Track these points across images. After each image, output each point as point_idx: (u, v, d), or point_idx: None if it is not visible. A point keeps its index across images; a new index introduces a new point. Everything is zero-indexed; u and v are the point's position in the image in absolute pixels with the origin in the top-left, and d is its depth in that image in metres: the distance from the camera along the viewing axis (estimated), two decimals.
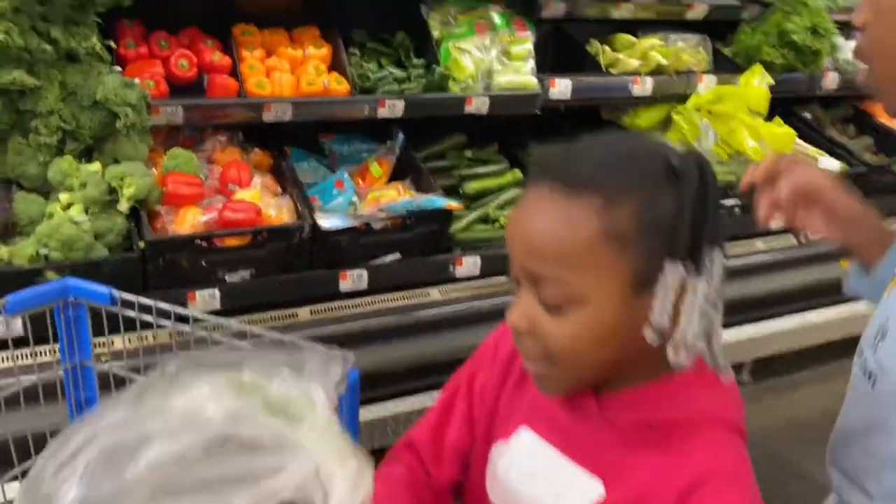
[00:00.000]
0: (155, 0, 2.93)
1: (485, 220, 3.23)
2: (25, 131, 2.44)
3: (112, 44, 2.66)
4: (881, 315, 1.17)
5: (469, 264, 2.98)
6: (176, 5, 3.03)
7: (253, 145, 3.10)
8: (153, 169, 2.73)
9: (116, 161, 2.59)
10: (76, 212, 2.41)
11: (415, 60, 3.20)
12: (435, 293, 2.92)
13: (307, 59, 3.00)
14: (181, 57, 2.78)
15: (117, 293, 1.43)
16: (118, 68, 2.61)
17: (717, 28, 3.99)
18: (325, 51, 3.04)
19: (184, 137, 3.02)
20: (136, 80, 2.60)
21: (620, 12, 3.51)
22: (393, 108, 3.02)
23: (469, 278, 3.00)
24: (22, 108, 2.39)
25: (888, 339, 1.12)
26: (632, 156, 0.98)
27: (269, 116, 2.81)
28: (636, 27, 3.84)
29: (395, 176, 3.20)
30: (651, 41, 3.59)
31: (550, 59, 3.82)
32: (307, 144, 3.38)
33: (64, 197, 2.42)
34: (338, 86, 2.91)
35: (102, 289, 1.44)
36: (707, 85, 3.73)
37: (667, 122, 3.85)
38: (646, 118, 3.77)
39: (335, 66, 3.06)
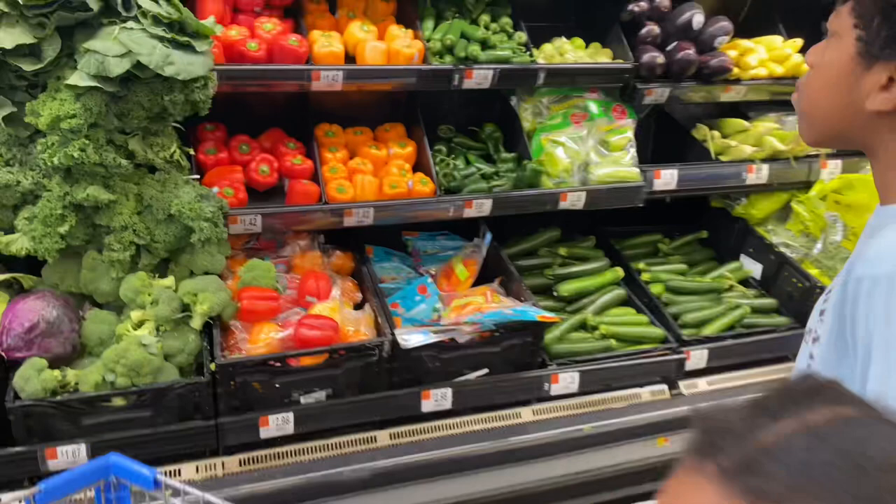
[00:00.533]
0: (238, 101, 2.86)
1: (582, 326, 2.93)
2: (100, 246, 2.35)
3: (191, 151, 2.56)
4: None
5: (565, 381, 2.68)
6: (259, 106, 2.96)
7: (334, 247, 2.93)
8: (229, 279, 2.60)
9: (192, 273, 2.47)
10: (147, 331, 2.28)
11: (504, 154, 3.00)
12: (527, 414, 2.62)
13: (391, 159, 2.84)
14: (262, 162, 2.66)
15: (162, 478, 1.23)
16: (196, 176, 2.51)
17: None
18: (409, 149, 2.87)
19: (264, 241, 2.89)
20: (214, 190, 2.49)
21: (729, 95, 3.20)
22: (480, 207, 2.80)
23: (565, 396, 2.70)
24: (97, 222, 2.30)
25: None
26: (861, 472, 0.60)
27: (350, 221, 2.65)
28: (747, 107, 3.52)
29: (483, 277, 2.97)
30: (766, 124, 3.26)
31: (651, 145, 3.55)
32: (390, 240, 3.20)
33: (135, 315, 2.30)
34: (422, 187, 2.72)
35: (146, 471, 1.24)
36: (832, 171, 3.34)
37: (785, 212, 3.47)
38: (761, 207, 3.40)
39: (420, 164, 2.88)
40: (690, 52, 3.02)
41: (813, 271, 3.18)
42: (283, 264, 2.78)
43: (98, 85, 2.10)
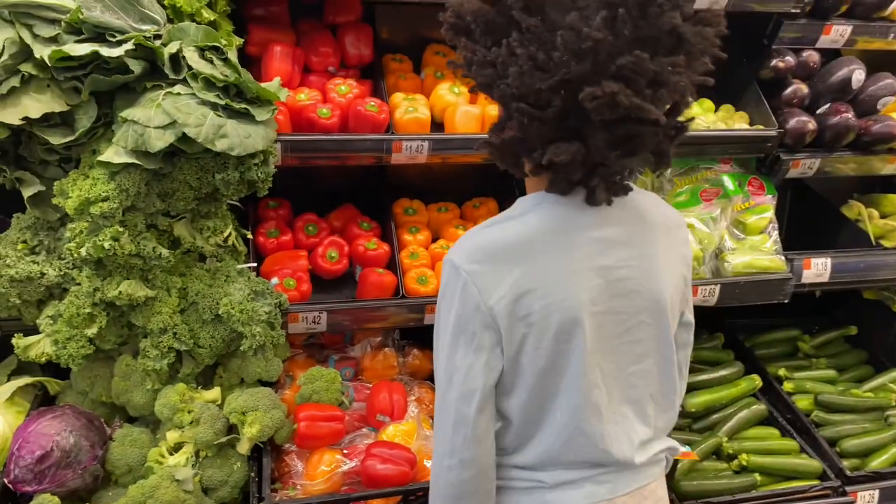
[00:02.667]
0: (306, 174, 2.48)
1: (716, 453, 2.36)
2: (136, 348, 1.96)
3: (249, 234, 2.17)
4: None
5: None
6: (330, 179, 2.56)
7: (411, 344, 2.47)
8: (287, 387, 2.17)
9: (243, 381, 2.05)
10: (184, 457, 1.86)
11: None
12: None
13: None
14: (330, 246, 2.24)
15: None
16: (254, 264, 2.11)
17: None
18: None
19: (329, 336, 2.46)
20: (273, 282, 2.08)
21: (894, 167, 2.62)
22: None
23: None
24: (133, 321, 1.91)
25: None
26: None
27: (432, 319, 2.18)
28: None
29: None
30: None
31: (785, 223, 2.99)
32: None
33: (171, 436, 1.89)
34: None
35: None
36: None
37: None
38: None
39: None
40: (849, 115, 2.47)
41: None
42: (350, 367, 2.33)
43: (136, 161, 1.72)
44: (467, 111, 2.19)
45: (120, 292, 1.80)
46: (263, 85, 1.84)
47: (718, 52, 1.19)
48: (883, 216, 2.72)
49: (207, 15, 1.96)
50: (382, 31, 2.45)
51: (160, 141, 1.69)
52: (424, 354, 2.44)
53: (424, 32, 2.51)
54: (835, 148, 2.53)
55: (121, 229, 1.76)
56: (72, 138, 1.78)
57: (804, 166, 2.52)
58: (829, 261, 2.50)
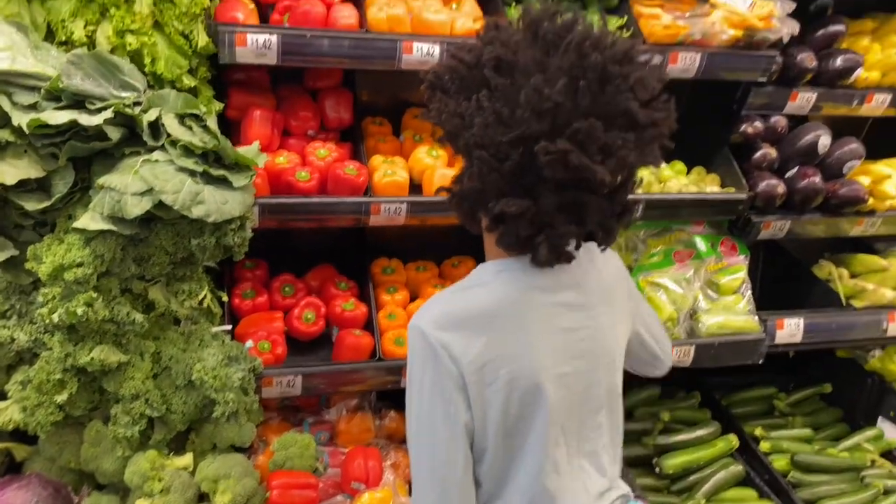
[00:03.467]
0: (283, 235, 2.48)
1: None
2: (107, 413, 1.93)
3: (224, 296, 2.16)
4: None
5: None
6: (308, 239, 2.57)
7: (388, 406, 2.46)
8: (260, 452, 2.14)
9: (215, 446, 2.02)
10: None
11: None
12: None
13: None
14: (307, 307, 2.24)
15: None
16: (228, 326, 2.10)
17: None
18: None
19: (304, 398, 2.43)
20: (248, 345, 2.07)
21: (860, 228, 2.68)
22: None
23: None
24: (104, 386, 1.88)
25: None
26: None
27: None
28: (872, 239, 2.99)
29: None
30: None
31: (759, 283, 3.02)
32: None
33: None
34: None
35: None
36: None
37: None
38: None
39: None
40: (816, 179, 2.54)
41: None
42: (326, 430, 2.31)
43: (112, 228, 1.72)
44: (444, 174, 2.22)
45: (92, 358, 1.78)
46: (242, 150, 1.86)
47: (667, 141, 1.28)
48: (853, 276, 2.77)
49: (188, 81, 1.98)
50: (362, 94, 2.50)
51: (136, 208, 1.69)
52: (401, 417, 2.41)
53: (404, 96, 2.55)
54: (804, 210, 2.59)
55: (94, 295, 1.74)
56: (47, 204, 1.78)
57: (775, 228, 2.58)
58: (801, 321, 2.54)
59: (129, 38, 1.88)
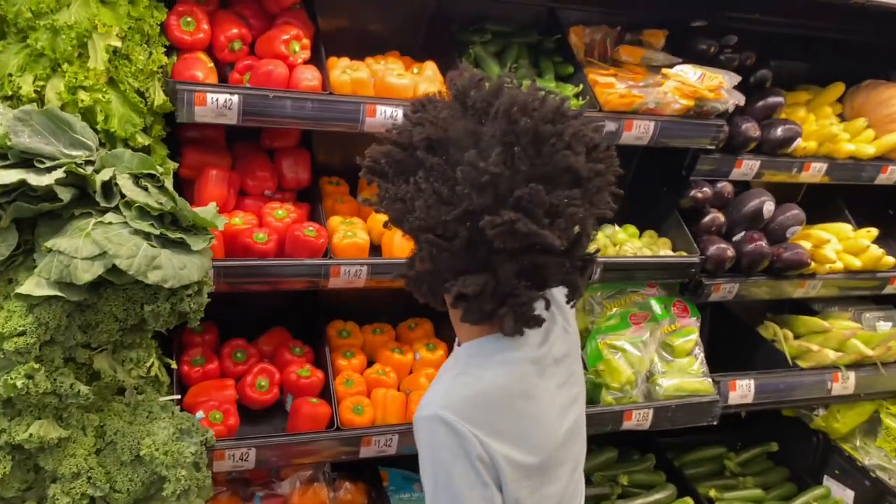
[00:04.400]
0: (235, 297, 2.39)
1: None
2: (42, 496, 1.78)
3: (173, 363, 2.05)
4: None
5: None
6: (261, 302, 2.48)
7: (342, 476, 2.36)
8: None
9: None
10: None
11: None
12: None
13: (417, 366, 2.34)
14: (260, 374, 2.15)
15: None
16: (177, 396, 1.98)
17: None
18: (440, 353, 2.38)
19: (253, 471, 2.31)
20: (198, 416, 1.96)
21: (802, 291, 2.78)
22: None
23: None
24: (40, 464, 1.74)
25: None
26: None
27: (369, 451, 2.10)
28: (812, 301, 3.10)
29: None
30: (845, 324, 2.82)
31: (709, 344, 3.08)
32: (411, 460, 2.63)
33: None
34: None
35: None
36: None
37: (871, 424, 2.95)
38: (846, 420, 2.89)
39: None
40: (762, 243, 2.62)
41: None
42: None
43: (59, 294, 1.61)
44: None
45: (31, 435, 1.65)
46: (199, 211, 1.79)
47: (616, 188, 1.28)
48: (797, 336, 2.86)
49: (142, 140, 1.91)
50: (319, 154, 2.46)
51: (87, 273, 1.59)
52: (356, 488, 2.32)
53: (359, 156, 2.53)
54: (751, 273, 2.67)
55: (36, 366, 1.62)
56: None
57: (724, 290, 2.64)
58: (752, 382, 2.59)
59: (82, 95, 1.81)
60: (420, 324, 2.49)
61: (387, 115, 2.05)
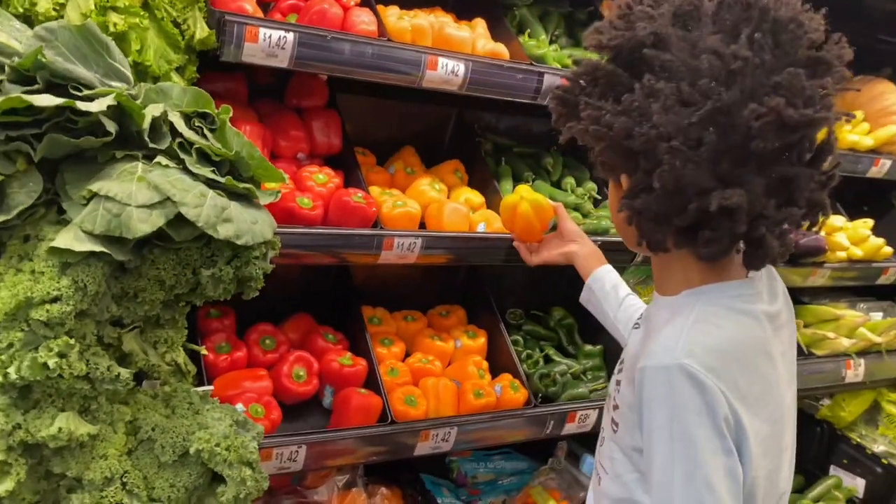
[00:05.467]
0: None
1: None
2: None
3: (203, 350, 1.73)
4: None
5: None
6: (278, 283, 2.18)
7: (375, 482, 2.09)
8: None
9: None
10: None
11: (587, 347, 2.35)
12: None
13: (461, 355, 2.12)
14: (297, 363, 1.86)
15: None
16: (210, 387, 1.67)
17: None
18: (481, 340, 2.17)
19: (276, 476, 2.00)
20: (239, 408, 1.65)
21: (813, 280, 2.77)
22: (584, 420, 2.10)
23: None
24: (57, 469, 1.39)
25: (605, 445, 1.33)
26: None
27: (424, 448, 1.86)
28: (802, 292, 3.12)
29: None
30: (855, 314, 2.83)
31: None
32: (434, 463, 2.39)
33: None
34: (514, 393, 1.99)
35: None
36: None
37: (871, 413, 2.98)
38: (852, 409, 2.90)
39: (493, 357, 2.17)
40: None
41: None
42: None
43: (104, 250, 1.29)
44: (456, 209, 1.99)
45: (59, 429, 1.30)
46: (268, 162, 1.51)
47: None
48: (806, 325, 2.85)
49: (177, 80, 1.61)
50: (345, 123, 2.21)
51: (145, 224, 1.28)
52: (392, 492, 2.06)
53: (387, 129, 2.30)
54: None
55: (71, 341, 1.29)
56: (3, 219, 1.31)
57: None
58: None
59: (115, 18, 1.50)
60: (453, 311, 2.27)
61: (448, 69, 1.85)
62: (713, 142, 1.03)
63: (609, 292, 1.77)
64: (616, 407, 1.30)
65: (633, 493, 1.23)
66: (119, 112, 1.38)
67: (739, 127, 1.01)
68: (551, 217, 1.91)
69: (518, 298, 2.46)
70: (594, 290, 1.80)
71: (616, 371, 1.38)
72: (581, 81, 1.18)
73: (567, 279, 2.52)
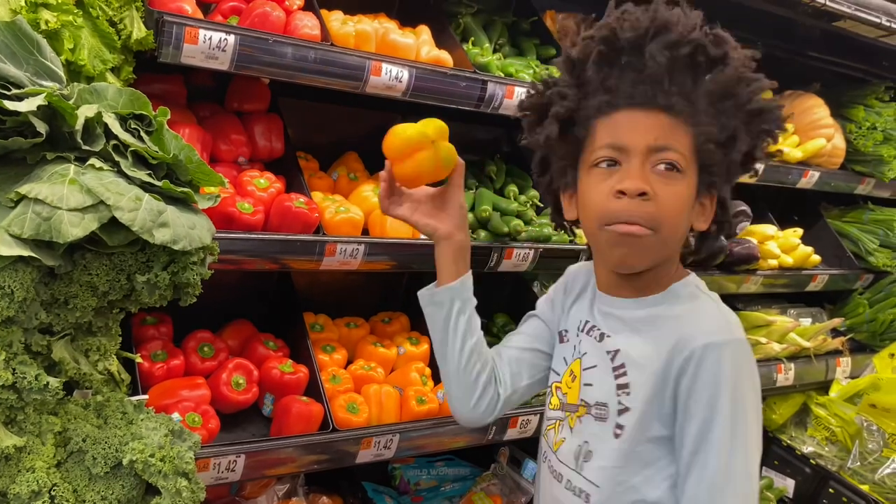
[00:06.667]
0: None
1: None
2: None
3: (137, 357, 1.68)
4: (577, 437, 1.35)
5: None
6: (215, 290, 2.14)
7: (316, 491, 2.06)
8: None
9: None
10: None
11: None
12: None
13: (403, 362, 2.11)
14: (236, 371, 1.83)
15: None
16: (144, 396, 1.62)
17: (826, 297, 3.43)
18: (424, 347, 2.17)
19: (212, 487, 1.96)
20: (175, 418, 1.61)
21: (748, 286, 2.87)
22: (525, 427, 2.11)
23: None
24: None
25: (594, 459, 1.32)
26: None
27: (366, 455, 1.85)
28: (734, 298, 3.22)
29: None
30: (786, 320, 2.94)
31: None
32: (375, 471, 2.38)
33: None
34: None
35: None
36: (844, 370, 3.06)
37: (800, 416, 3.10)
38: (782, 412, 3.00)
39: (436, 363, 2.16)
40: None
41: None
42: None
43: (33, 255, 1.25)
44: None
45: None
46: (207, 165, 1.48)
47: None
48: None
49: (113, 81, 1.57)
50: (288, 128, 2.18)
51: (77, 228, 1.24)
52: (334, 502, 2.04)
53: (330, 132, 2.29)
54: (707, 268, 2.70)
55: None
56: None
57: None
58: None
59: (47, 15, 1.45)
60: (396, 317, 2.27)
61: (392, 74, 1.85)
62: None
63: (471, 299, 1.47)
64: (622, 411, 1.27)
65: (641, 493, 1.25)
66: (50, 112, 1.33)
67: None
68: (447, 175, 1.48)
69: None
70: (464, 298, 1.45)
71: (613, 377, 1.30)
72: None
73: (510, 286, 2.56)
